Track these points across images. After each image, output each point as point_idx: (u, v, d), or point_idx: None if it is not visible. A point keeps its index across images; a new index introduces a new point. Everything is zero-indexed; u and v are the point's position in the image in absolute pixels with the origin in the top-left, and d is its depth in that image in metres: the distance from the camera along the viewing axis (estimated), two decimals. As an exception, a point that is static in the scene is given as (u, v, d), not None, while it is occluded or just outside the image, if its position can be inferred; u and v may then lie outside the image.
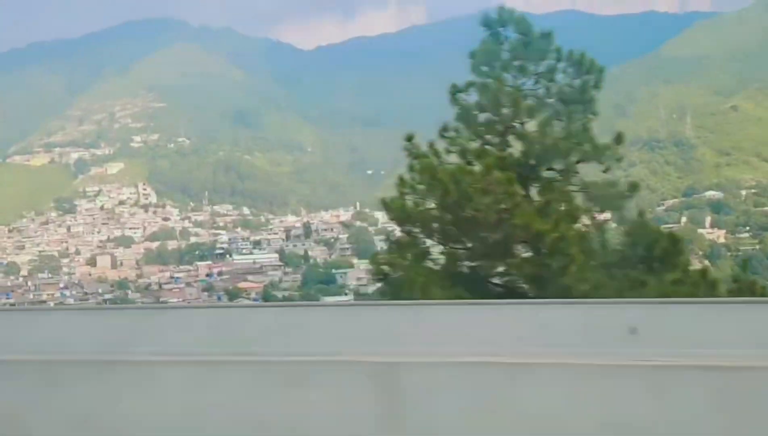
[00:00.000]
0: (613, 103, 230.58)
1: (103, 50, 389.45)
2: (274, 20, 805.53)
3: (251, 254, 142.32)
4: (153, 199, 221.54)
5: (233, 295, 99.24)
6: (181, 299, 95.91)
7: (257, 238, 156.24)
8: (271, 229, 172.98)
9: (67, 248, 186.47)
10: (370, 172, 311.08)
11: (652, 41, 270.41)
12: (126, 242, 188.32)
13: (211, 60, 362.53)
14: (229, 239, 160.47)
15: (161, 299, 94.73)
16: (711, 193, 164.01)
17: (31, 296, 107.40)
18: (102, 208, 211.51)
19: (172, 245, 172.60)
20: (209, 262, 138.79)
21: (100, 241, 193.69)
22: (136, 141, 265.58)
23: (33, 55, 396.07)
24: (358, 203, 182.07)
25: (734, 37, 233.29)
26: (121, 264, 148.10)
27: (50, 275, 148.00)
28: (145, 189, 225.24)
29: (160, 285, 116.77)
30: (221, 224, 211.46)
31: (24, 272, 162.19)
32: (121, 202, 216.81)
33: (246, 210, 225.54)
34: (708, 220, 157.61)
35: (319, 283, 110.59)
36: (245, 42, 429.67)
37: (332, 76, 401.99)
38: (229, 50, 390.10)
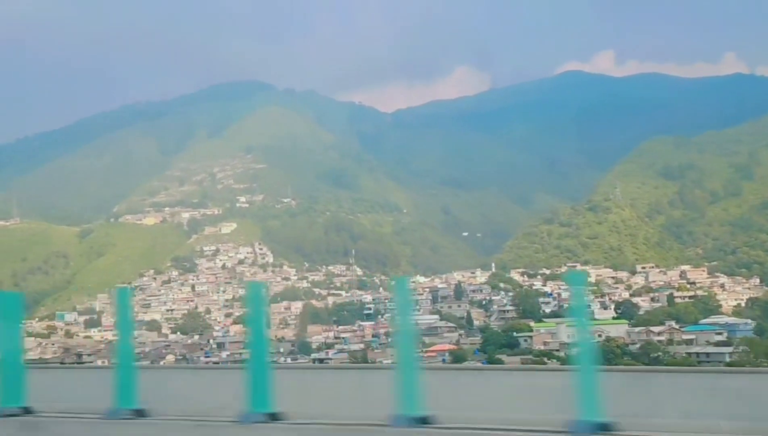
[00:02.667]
0: (737, 165, 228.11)
1: (193, 112, 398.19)
2: (355, 84, 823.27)
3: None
4: (270, 258, 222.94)
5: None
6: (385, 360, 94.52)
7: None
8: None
9: (196, 307, 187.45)
10: (465, 234, 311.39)
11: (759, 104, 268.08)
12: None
13: (300, 122, 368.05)
14: (374, 299, 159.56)
15: (371, 360, 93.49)
16: None
17: (225, 355, 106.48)
18: (223, 267, 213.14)
19: (312, 304, 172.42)
20: (370, 321, 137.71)
21: (226, 300, 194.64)
22: (242, 201, 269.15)
23: (125, 118, 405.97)
24: (493, 264, 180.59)
25: None
26: (277, 324, 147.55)
27: (201, 334, 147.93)
28: (261, 248, 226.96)
29: (327, 345, 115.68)
30: (338, 284, 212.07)
31: (165, 330, 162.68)
32: (240, 262, 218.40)
33: (359, 270, 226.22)
34: None
35: (502, 346, 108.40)
36: (329, 105, 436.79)
37: (414, 138, 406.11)
38: (315, 113, 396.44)
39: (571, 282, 11.10)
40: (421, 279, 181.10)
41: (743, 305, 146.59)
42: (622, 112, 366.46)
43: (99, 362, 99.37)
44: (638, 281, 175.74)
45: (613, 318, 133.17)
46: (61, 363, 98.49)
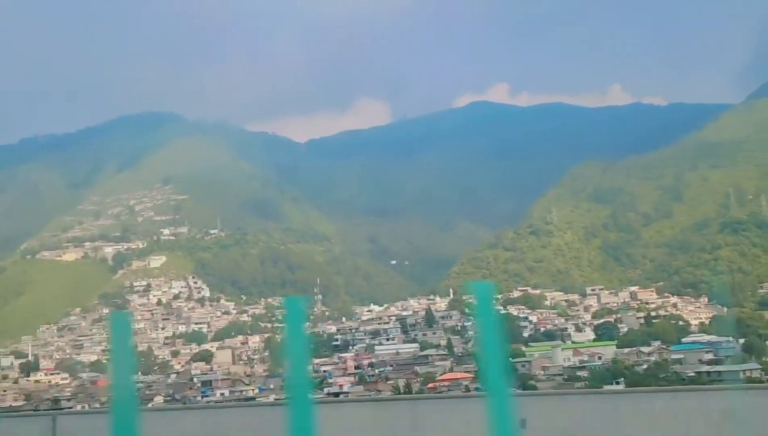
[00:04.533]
0: (665, 188, 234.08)
1: (100, 145, 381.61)
2: (265, 115, 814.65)
3: (380, 344, 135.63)
4: (206, 292, 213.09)
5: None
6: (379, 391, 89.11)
7: (367, 328, 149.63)
8: (361, 319, 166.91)
9: (136, 345, 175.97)
10: (393, 262, 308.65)
11: (681, 129, 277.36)
12: (197, 338, 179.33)
13: (216, 152, 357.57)
14: (338, 330, 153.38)
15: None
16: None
17: (220, 394, 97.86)
18: (158, 303, 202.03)
19: (255, 339, 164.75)
20: (350, 353, 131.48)
21: (166, 337, 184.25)
22: (166, 233, 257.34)
23: (26, 152, 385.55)
24: (451, 290, 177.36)
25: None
26: (245, 359, 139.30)
27: (161, 375, 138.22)
28: (195, 282, 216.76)
29: (324, 378, 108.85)
30: (279, 317, 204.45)
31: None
32: (175, 297, 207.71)
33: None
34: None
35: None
36: (243, 135, 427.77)
37: (331, 167, 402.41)
38: (229, 143, 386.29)
39: (477, 294, 8.04)
40: (376, 308, 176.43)
41: (707, 323, 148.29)
42: (538, 141, 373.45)
43: (79, 407, 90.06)
44: (591, 303, 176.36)
45: (593, 340, 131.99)
46: (35, 410, 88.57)
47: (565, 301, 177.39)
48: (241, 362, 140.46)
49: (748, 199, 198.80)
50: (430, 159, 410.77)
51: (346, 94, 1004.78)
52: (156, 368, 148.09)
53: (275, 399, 78.92)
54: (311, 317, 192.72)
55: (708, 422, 10.76)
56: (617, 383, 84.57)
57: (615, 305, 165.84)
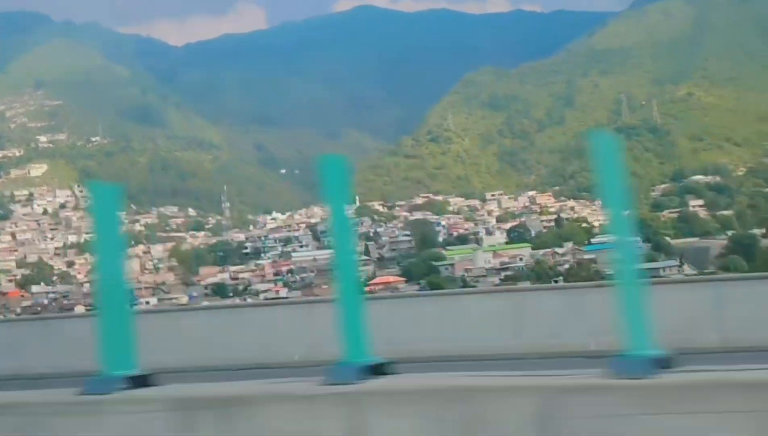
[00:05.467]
0: (556, 94, 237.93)
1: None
2: (137, 17, 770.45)
3: (295, 251, 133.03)
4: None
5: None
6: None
7: (277, 236, 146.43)
8: (263, 227, 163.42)
9: (24, 257, 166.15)
10: (283, 171, 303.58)
11: (568, 36, 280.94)
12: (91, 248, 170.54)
13: (89, 56, 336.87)
14: (247, 238, 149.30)
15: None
16: (698, 178, 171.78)
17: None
18: (44, 212, 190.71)
19: (158, 248, 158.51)
20: (266, 260, 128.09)
21: (57, 248, 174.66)
22: (43, 141, 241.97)
23: None
24: (357, 198, 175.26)
25: (659, 28, 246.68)
26: (150, 268, 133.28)
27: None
28: (81, 191, 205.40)
29: (247, 287, 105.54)
30: (173, 227, 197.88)
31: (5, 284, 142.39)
32: (62, 206, 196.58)
33: (191, 210, 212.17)
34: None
35: (424, 275, 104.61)
36: (115, 38, 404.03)
37: (213, 73, 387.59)
38: (101, 46, 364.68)
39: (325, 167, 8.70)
40: (279, 216, 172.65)
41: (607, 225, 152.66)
42: (427, 48, 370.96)
43: None
44: (492, 208, 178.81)
45: (507, 243, 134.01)
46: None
47: (467, 206, 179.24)
48: (147, 271, 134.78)
49: (641, 105, 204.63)
50: (314, 66, 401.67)
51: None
52: (55, 278, 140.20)
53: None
54: (220, 226, 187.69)
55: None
56: (556, 281, 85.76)
57: (516, 209, 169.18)
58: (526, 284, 79.37)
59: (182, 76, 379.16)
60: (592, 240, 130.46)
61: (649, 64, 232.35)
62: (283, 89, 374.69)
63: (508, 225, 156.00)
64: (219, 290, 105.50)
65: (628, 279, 7.70)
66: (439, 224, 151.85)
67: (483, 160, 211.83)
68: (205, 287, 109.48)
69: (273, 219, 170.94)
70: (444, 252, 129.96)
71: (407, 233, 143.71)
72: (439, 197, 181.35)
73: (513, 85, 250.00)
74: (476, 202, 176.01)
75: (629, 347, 7.24)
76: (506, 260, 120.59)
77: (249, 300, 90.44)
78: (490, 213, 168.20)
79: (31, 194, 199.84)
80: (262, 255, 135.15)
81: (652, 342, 7.42)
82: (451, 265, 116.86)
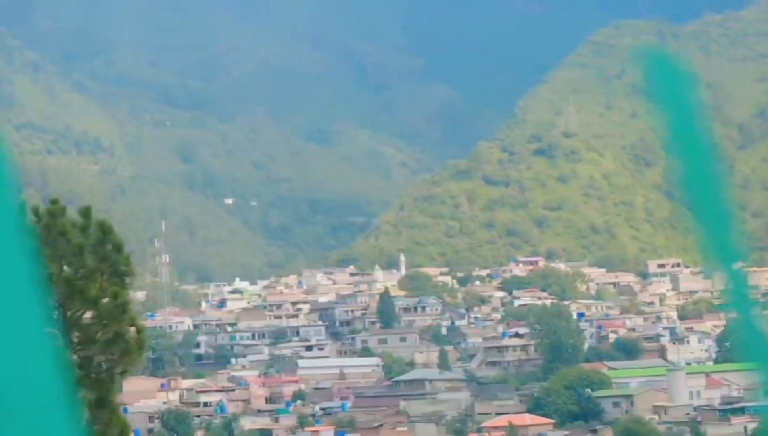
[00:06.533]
0: None
1: None
2: None
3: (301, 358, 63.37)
4: None
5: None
6: None
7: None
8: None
9: None
10: (229, 201, 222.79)
11: None
12: None
13: None
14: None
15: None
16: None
17: None
18: None
19: None
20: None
21: None
22: None
23: None
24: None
25: None
26: None
27: None
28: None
29: None
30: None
31: None
32: None
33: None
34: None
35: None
36: None
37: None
38: None
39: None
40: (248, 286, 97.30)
41: None
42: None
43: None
44: (662, 288, 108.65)
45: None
46: None
47: (614, 284, 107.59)
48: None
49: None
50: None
51: None
52: None
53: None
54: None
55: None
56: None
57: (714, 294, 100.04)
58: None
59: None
60: None
61: None
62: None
63: (707, 323, 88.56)
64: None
65: None
66: (581, 315, 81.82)
67: (639, 193, 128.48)
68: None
69: (238, 292, 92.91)
70: (606, 372, 77.54)
71: (523, 331, 76.74)
72: (560, 265, 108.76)
73: (690, 54, 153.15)
74: (632, 278, 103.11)
75: None
76: (725, 387, 79.14)
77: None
78: (662, 300, 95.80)
79: None
80: (233, 361, 65.13)
81: None
82: (627, 397, 73.69)
